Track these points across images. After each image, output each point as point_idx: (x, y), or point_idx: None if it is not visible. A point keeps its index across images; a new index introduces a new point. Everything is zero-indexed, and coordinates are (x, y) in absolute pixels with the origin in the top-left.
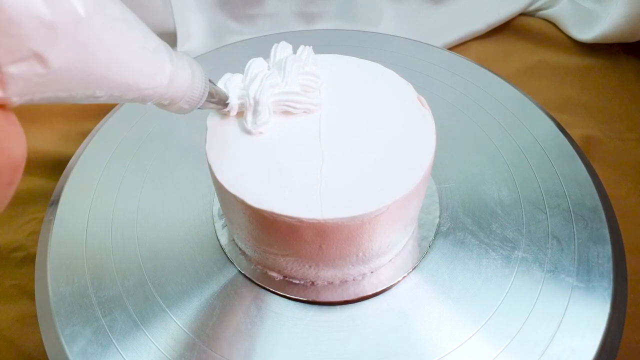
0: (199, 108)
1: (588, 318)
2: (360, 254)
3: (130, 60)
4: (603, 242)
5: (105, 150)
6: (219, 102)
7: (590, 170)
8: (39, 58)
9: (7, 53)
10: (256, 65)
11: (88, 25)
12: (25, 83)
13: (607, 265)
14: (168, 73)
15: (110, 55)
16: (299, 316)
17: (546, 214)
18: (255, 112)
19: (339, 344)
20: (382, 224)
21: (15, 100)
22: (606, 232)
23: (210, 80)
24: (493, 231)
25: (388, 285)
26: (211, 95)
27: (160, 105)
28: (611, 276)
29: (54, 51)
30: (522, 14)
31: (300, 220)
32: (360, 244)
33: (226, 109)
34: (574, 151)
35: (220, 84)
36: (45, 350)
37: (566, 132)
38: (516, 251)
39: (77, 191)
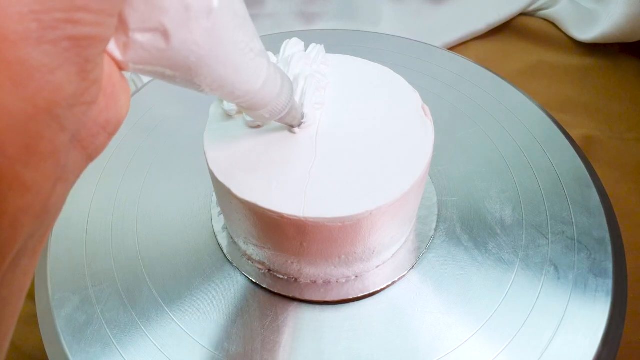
0: (276, 120)
1: (588, 318)
2: (343, 256)
3: (236, 58)
4: (604, 275)
5: (105, 149)
6: (293, 119)
7: (590, 171)
8: (165, 34)
9: (139, 20)
10: None
11: (217, 16)
12: (143, 53)
13: (605, 299)
14: (262, 79)
15: (222, 48)
16: (280, 311)
17: (548, 239)
18: None
19: (317, 343)
20: (365, 229)
21: (129, 67)
22: (610, 265)
23: (295, 100)
24: (489, 250)
25: (372, 291)
26: (292, 110)
27: (241, 107)
28: (611, 276)
29: (180, 31)
30: (522, 14)
31: (281, 216)
32: (343, 246)
33: (296, 129)
34: (574, 151)
35: None
36: (45, 350)
37: (566, 132)
38: (509, 273)
39: (77, 190)
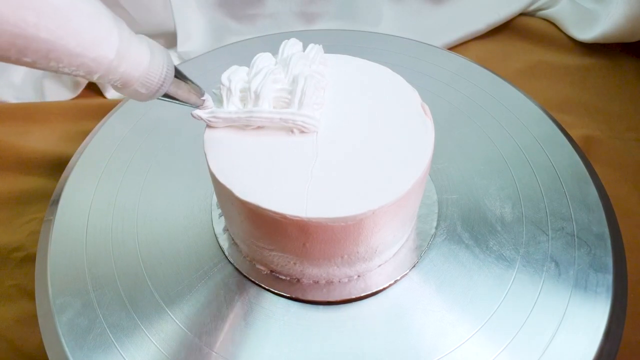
0: (165, 99)
1: (588, 318)
2: (345, 256)
3: (54, 18)
4: (605, 270)
5: (105, 150)
6: (188, 95)
7: (588, 168)
8: None
9: None
10: (262, 59)
11: None
12: None
13: (606, 296)
14: (114, 47)
15: (24, 8)
16: (282, 312)
17: (548, 235)
18: (256, 105)
19: (320, 344)
20: (367, 228)
21: None
22: (609, 260)
23: (182, 74)
24: (489, 247)
25: (374, 291)
26: (179, 85)
27: (115, 87)
28: (611, 271)
29: None
30: (522, 14)
31: (284, 217)
32: (345, 246)
33: (201, 105)
34: (572, 149)
35: (225, 76)
36: (45, 351)
37: (566, 132)
38: (510, 270)
39: (77, 191)
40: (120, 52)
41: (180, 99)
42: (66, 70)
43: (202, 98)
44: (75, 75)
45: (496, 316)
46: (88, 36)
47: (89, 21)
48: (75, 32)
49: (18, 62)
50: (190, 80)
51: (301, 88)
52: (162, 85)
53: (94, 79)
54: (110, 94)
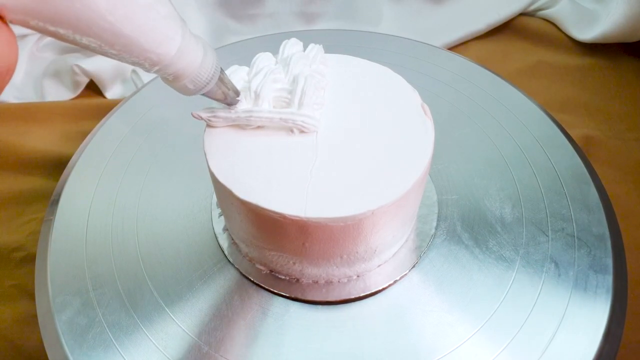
0: (205, 95)
1: (588, 318)
2: (345, 256)
3: (136, 15)
4: (604, 272)
5: (105, 150)
6: (226, 95)
7: (589, 168)
8: None
9: None
10: (262, 59)
11: None
12: None
13: (606, 296)
14: (177, 45)
15: (108, 2)
16: (282, 311)
17: (548, 236)
18: (256, 105)
19: (320, 344)
20: (366, 229)
21: (10, 14)
22: (609, 261)
23: (224, 72)
24: (489, 248)
25: (374, 291)
26: (221, 84)
27: (165, 80)
28: (611, 272)
29: None
30: (522, 14)
31: (283, 216)
32: (345, 246)
33: (234, 106)
34: (572, 149)
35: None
36: (45, 350)
37: (566, 132)
38: (510, 271)
39: (77, 191)
40: (180, 50)
41: (219, 97)
42: (133, 60)
43: (238, 98)
44: (137, 65)
45: (496, 316)
46: (159, 35)
47: (163, 22)
48: (150, 30)
49: (96, 51)
50: (229, 79)
51: (301, 88)
52: (208, 83)
53: (152, 71)
54: (110, 93)
